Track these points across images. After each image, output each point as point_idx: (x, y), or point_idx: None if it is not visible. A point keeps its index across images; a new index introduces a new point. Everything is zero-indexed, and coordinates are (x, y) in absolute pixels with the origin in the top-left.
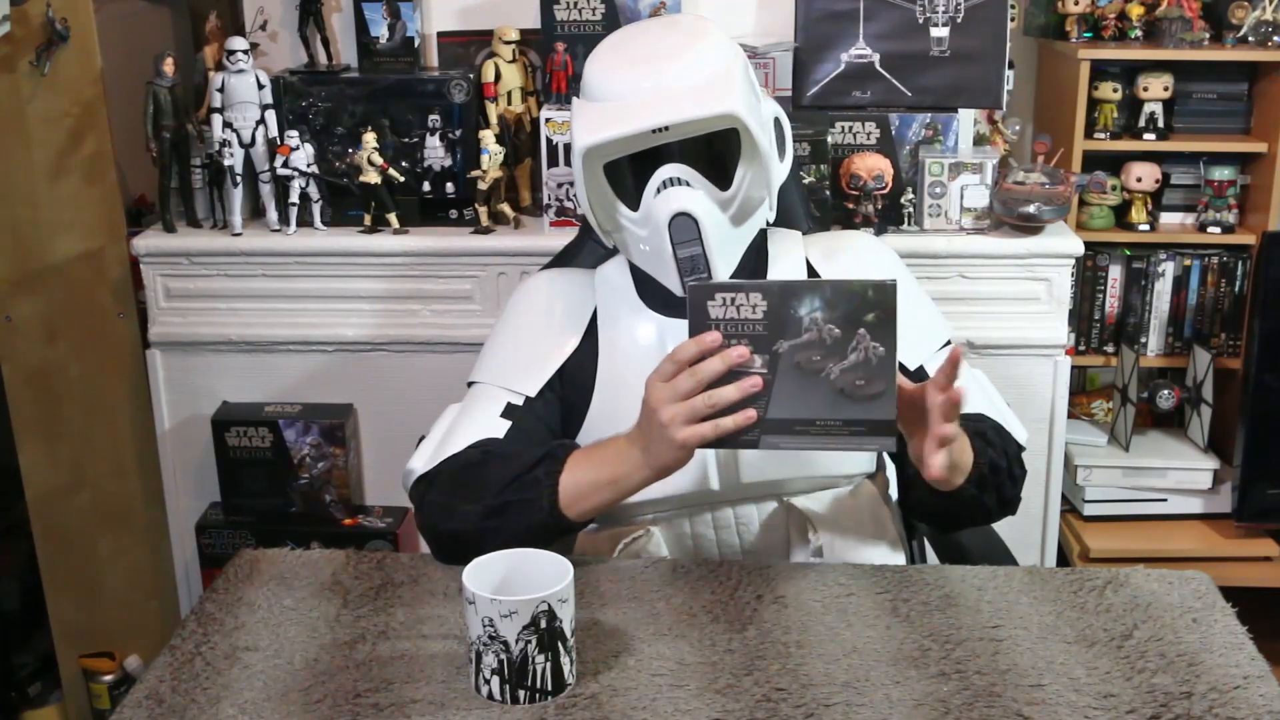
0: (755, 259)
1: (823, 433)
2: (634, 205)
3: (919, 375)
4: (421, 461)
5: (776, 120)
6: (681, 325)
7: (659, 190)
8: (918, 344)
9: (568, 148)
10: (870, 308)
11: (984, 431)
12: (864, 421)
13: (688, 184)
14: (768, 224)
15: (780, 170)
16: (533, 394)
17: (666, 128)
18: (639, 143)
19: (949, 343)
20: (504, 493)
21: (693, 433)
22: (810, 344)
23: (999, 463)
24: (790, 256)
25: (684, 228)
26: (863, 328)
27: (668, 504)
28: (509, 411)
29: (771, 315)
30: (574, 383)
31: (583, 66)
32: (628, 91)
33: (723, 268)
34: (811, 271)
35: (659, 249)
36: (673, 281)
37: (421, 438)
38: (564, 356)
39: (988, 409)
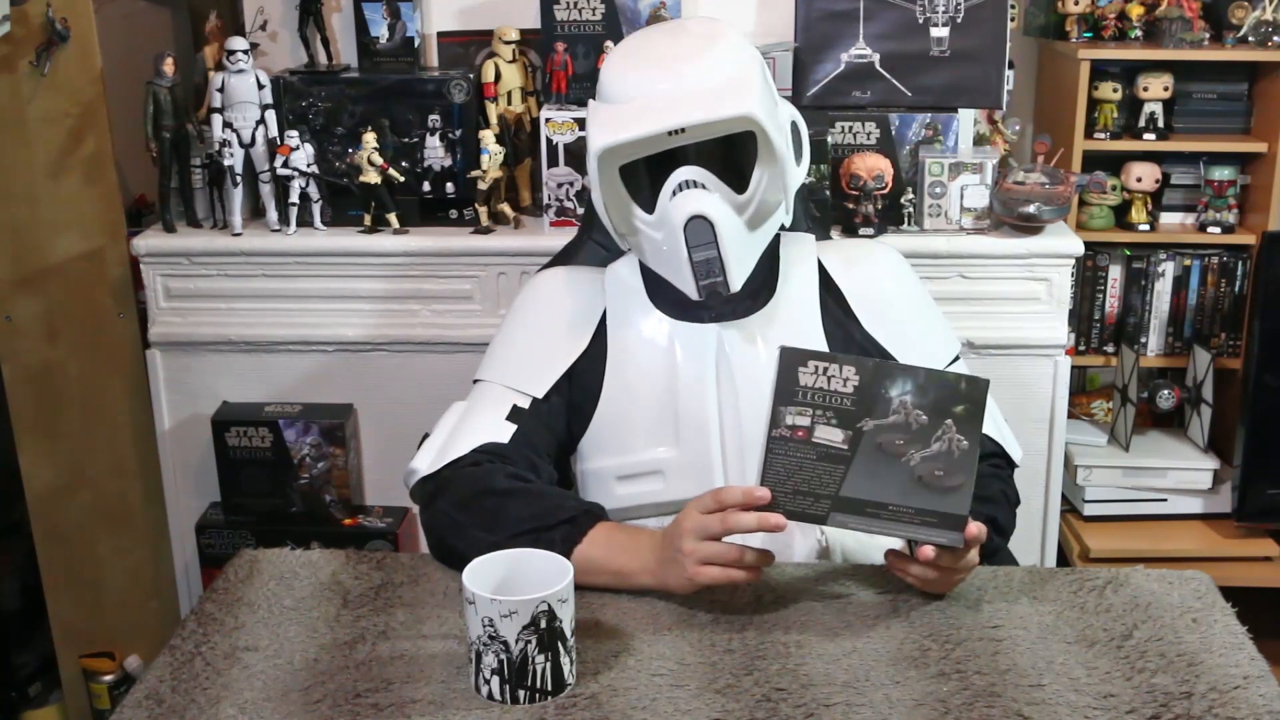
0: (769, 264)
1: (892, 518)
2: (649, 208)
3: None
4: (426, 462)
5: (794, 124)
6: (690, 329)
7: (674, 193)
8: (929, 360)
9: (568, 148)
10: (961, 400)
11: (996, 518)
12: (936, 513)
13: (704, 186)
14: (783, 227)
15: (797, 174)
16: (539, 395)
17: (683, 130)
18: (655, 144)
19: (958, 357)
20: (518, 538)
21: (702, 572)
22: (896, 426)
23: (1000, 544)
24: (803, 263)
25: (700, 230)
26: (950, 419)
27: (676, 507)
28: (514, 415)
29: (861, 391)
30: (581, 384)
31: (582, 66)
32: (644, 92)
33: (737, 271)
34: (825, 278)
35: (674, 251)
36: (688, 285)
37: (425, 435)
38: (572, 358)
39: (990, 428)
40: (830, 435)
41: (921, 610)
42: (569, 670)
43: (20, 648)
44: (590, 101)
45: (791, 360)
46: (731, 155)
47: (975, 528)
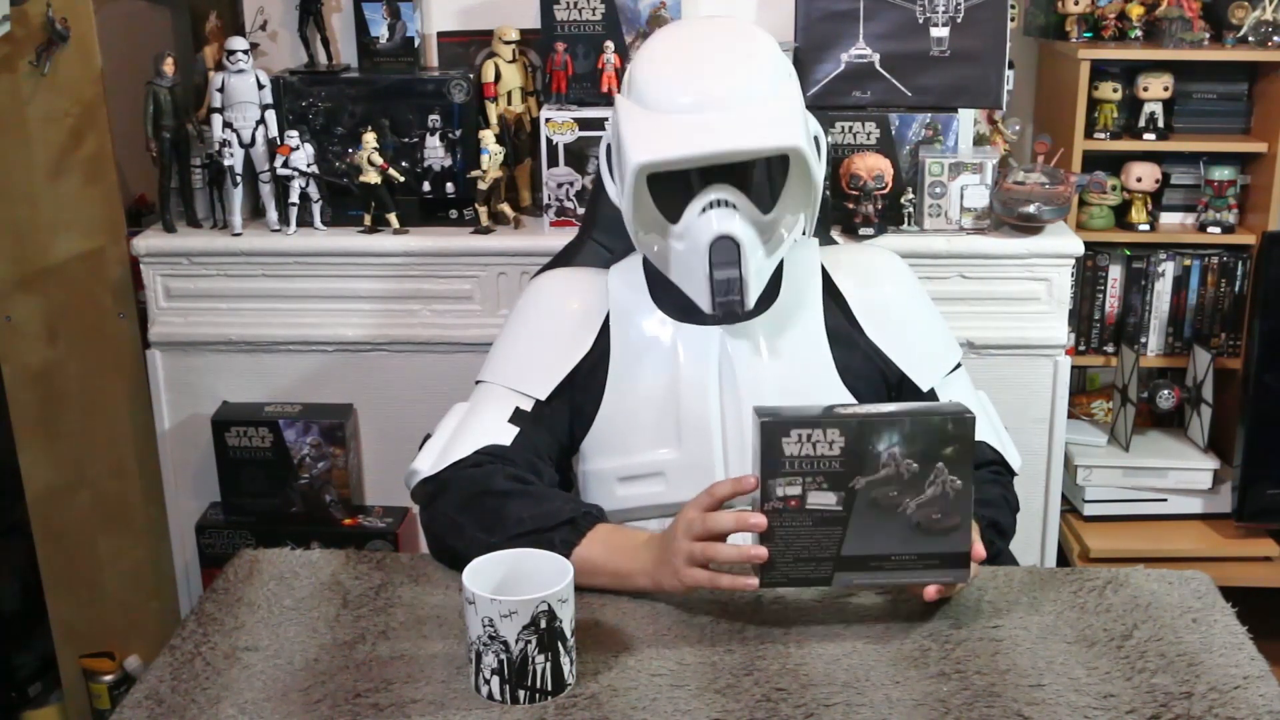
0: (773, 271)
1: (896, 567)
2: (671, 214)
3: (930, 398)
4: (427, 463)
5: (815, 138)
6: (693, 331)
7: (704, 210)
8: (931, 367)
9: (568, 148)
10: (948, 441)
11: (997, 520)
12: (939, 555)
13: (733, 206)
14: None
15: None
16: (542, 398)
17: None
18: (692, 161)
19: (959, 364)
20: (517, 540)
21: (689, 573)
22: (887, 479)
23: (1002, 548)
24: (807, 268)
25: (725, 250)
26: (940, 461)
27: (677, 509)
28: (516, 417)
29: (849, 452)
30: (584, 386)
31: (582, 66)
32: (687, 105)
33: (755, 291)
34: (828, 283)
35: (694, 265)
36: (702, 299)
37: (427, 436)
38: (575, 360)
39: (990, 435)
40: (823, 500)
41: (921, 610)
42: (569, 670)
43: (20, 648)
44: (621, 100)
45: (774, 431)
46: (761, 171)
47: (976, 550)
